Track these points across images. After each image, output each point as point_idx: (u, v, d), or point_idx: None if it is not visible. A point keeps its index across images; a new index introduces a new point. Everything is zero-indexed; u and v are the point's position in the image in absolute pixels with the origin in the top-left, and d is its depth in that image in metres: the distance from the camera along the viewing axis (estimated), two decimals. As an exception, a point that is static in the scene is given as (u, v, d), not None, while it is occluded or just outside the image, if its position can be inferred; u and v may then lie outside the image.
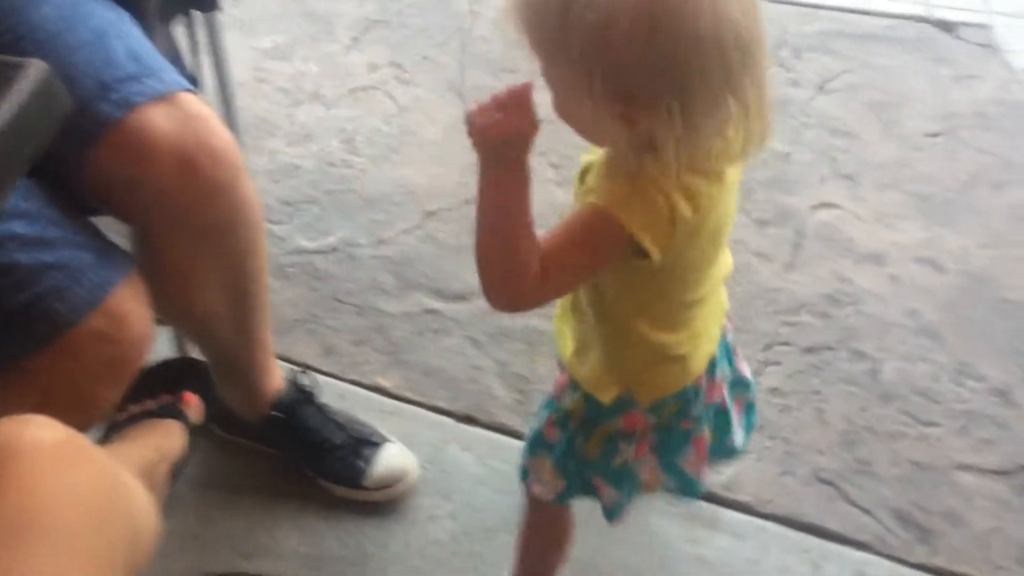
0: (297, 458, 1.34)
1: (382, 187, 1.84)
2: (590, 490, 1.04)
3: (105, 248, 0.94)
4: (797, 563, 1.31)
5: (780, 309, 1.66)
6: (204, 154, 0.98)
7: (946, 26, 2.36)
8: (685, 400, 0.97)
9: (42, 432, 0.49)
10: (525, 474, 1.08)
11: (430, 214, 1.80)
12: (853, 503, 1.39)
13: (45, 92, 0.65)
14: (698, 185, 0.78)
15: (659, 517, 1.34)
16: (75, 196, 0.96)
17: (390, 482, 1.33)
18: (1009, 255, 1.78)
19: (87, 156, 0.93)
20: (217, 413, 1.36)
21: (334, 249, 1.71)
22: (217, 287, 1.11)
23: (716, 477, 1.41)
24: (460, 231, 1.76)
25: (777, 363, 1.58)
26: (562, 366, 1.00)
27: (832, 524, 1.36)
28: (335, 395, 1.44)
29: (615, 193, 0.77)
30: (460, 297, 1.65)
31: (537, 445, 1.05)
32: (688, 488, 1.05)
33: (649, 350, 0.92)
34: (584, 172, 0.84)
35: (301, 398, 1.33)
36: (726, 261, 0.94)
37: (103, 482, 0.53)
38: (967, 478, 1.43)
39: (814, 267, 1.74)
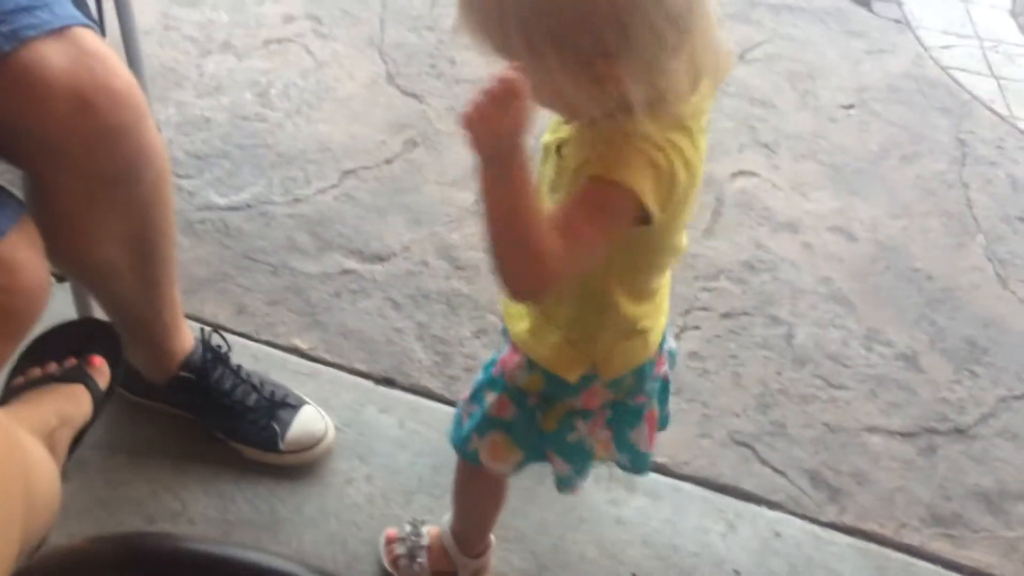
0: (208, 421, 1.29)
1: (298, 143, 1.78)
2: (544, 459, 1.03)
3: None
4: (713, 523, 1.33)
5: (699, 275, 1.68)
6: (103, 95, 0.91)
7: (860, 0, 2.41)
8: (641, 375, 0.97)
9: None
10: (473, 457, 1.03)
11: (348, 172, 1.74)
12: (767, 464, 1.42)
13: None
14: (679, 140, 0.77)
15: (579, 479, 1.34)
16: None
17: (306, 445, 1.29)
18: (917, 225, 1.84)
19: None
20: (123, 374, 1.30)
21: (247, 206, 1.65)
22: (118, 238, 1.04)
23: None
24: (379, 191, 1.71)
25: (696, 327, 1.59)
26: (512, 344, 0.97)
27: (747, 485, 1.39)
28: (248, 356, 1.39)
29: (613, 159, 0.75)
30: (379, 258, 1.61)
31: (487, 426, 1.01)
32: (638, 463, 1.06)
33: (621, 325, 0.91)
34: (557, 148, 0.82)
35: (212, 358, 1.28)
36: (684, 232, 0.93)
37: None
38: (875, 440, 1.47)
39: (732, 234, 1.76)
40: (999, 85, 2.21)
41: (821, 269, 1.73)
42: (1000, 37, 2.36)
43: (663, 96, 0.74)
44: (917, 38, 2.30)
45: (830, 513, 1.37)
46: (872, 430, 1.49)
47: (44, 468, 0.62)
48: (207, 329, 1.31)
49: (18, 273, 0.84)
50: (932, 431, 1.50)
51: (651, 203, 0.76)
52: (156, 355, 1.25)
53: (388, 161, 1.77)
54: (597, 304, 0.90)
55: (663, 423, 1.09)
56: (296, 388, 1.34)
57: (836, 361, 1.58)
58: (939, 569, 1.33)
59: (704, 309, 1.62)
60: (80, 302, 1.30)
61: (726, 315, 1.62)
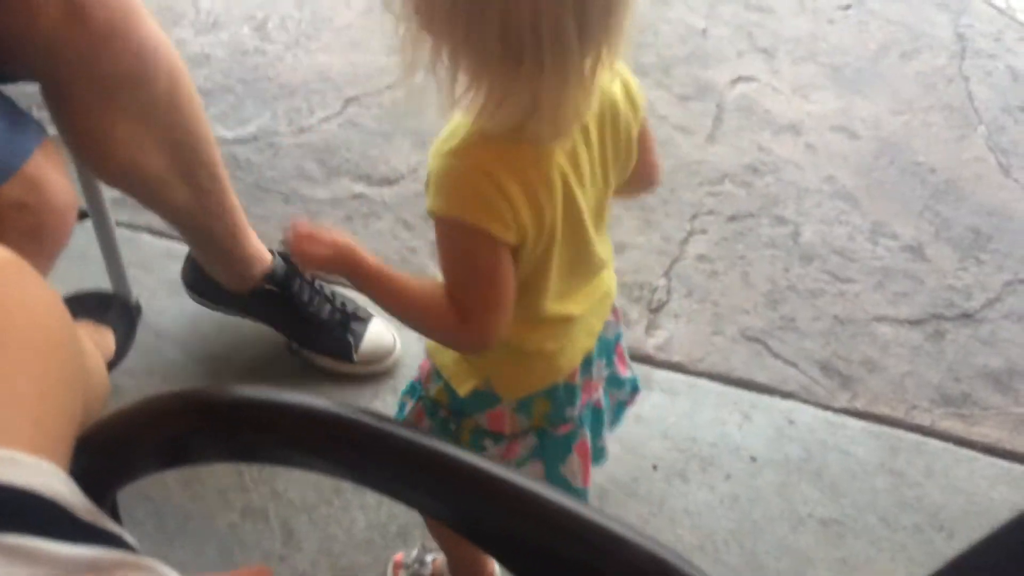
0: (286, 331, 1.34)
1: (299, 74, 1.79)
2: None
3: (15, 116, 0.89)
4: (728, 414, 1.37)
5: (704, 180, 1.69)
6: None
7: (854, -100, 2.37)
8: (555, 399, 0.89)
9: None
10: None
11: (351, 100, 1.75)
12: (779, 357, 1.45)
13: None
14: (530, 158, 0.72)
15: (597, 380, 1.38)
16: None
17: (378, 357, 1.34)
18: (919, 120, 1.85)
19: None
20: (204, 285, 1.34)
21: (254, 138, 1.66)
22: (150, 144, 1.05)
23: (649, 340, 1.45)
24: (382, 116, 1.72)
25: (703, 231, 1.62)
26: (428, 355, 0.93)
27: (760, 377, 1.43)
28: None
29: (442, 190, 0.72)
30: (387, 181, 1.63)
31: None
32: None
33: (507, 345, 0.83)
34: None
35: (292, 271, 1.31)
36: (604, 246, 0.85)
37: (53, 304, 0.51)
38: (884, 328, 1.51)
39: (734, 139, 1.77)
40: (997, -23, 2.19)
41: (824, 168, 1.74)
42: (997, -71, 2.33)
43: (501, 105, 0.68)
44: (913, -66, 2.27)
45: (842, 399, 1.41)
46: (881, 319, 1.52)
47: (89, 345, 0.65)
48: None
49: (46, 191, 0.86)
50: (939, 317, 1.53)
51: (496, 229, 0.71)
52: (231, 265, 1.28)
53: (389, 87, 1.78)
54: None
55: (597, 456, 1.00)
56: (316, 309, 1.37)
57: (843, 256, 1.60)
58: (950, 446, 1.37)
59: (710, 213, 1.64)
60: (103, 238, 1.33)
61: (732, 218, 1.64)
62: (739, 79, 1.89)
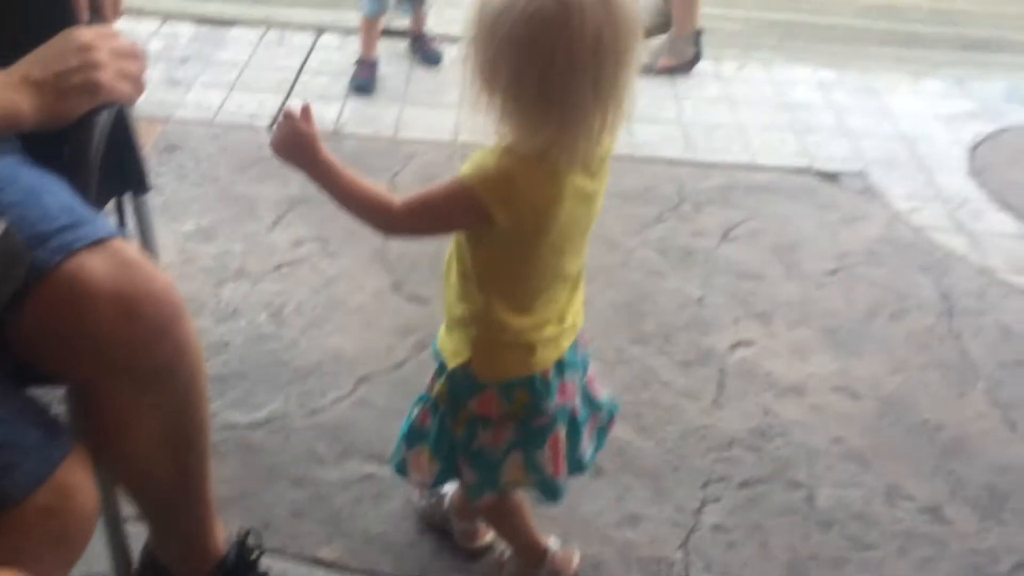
0: None
1: (312, 356, 1.85)
2: (456, 472, 1.22)
3: (50, 423, 0.92)
4: None
5: (712, 446, 1.70)
6: (145, 299, 0.96)
7: (827, 176, 2.57)
8: (533, 390, 1.13)
9: None
10: (400, 468, 1.26)
11: (362, 379, 1.80)
12: (808, 633, 1.39)
13: (6, 248, 0.67)
14: (550, 182, 1.01)
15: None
16: (11, 369, 0.95)
17: None
18: (916, 379, 1.89)
19: (22, 308, 0.90)
20: (152, 571, 1.30)
21: (267, 421, 1.70)
22: (157, 435, 1.07)
23: (671, 620, 1.40)
24: (393, 394, 1.76)
25: (716, 500, 1.60)
26: (436, 358, 1.19)
27: (791, 657, 1.36)
28: (275, 573, 1.38)
29: (480, 171, 1.00)
30: (398, 460, 1.63)
31: (413, 438, 1.23)
32: (549, 489, 1.22)
33: (493, 327, 1.10)
34: None
35: (243, 565, 1.28)
36: (577, 263, 1.13)
37: None
38: (913, 598, 1.45)
39: (739, 402, 1.80)
40: (971, 240, 2.33)
41: (831, 429, 1.75)
42: (964, 196, 2.50)
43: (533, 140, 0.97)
44: (886, 205, 2.45)
45: None
46: (909, 588, 1.47)
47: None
48: (244, 530, 1.33)
49: (72, 497, 0.88)
50: (969, 583, 1.48)
51: (499, 214, 0.99)
52: (189, 551, 1.25)
53: (399, 365, 1.83)
54: (474, 300, 1.10)
55: (577, 467, 1.24)
56: (325, 599, 1.33)
57: (861, 520, 1.58)
58: None
59: (721, 480, 1.64)
60: (112, 534, 1.31)
61: (744, 483, 1.63)
62: (738, 344, 1.95)
